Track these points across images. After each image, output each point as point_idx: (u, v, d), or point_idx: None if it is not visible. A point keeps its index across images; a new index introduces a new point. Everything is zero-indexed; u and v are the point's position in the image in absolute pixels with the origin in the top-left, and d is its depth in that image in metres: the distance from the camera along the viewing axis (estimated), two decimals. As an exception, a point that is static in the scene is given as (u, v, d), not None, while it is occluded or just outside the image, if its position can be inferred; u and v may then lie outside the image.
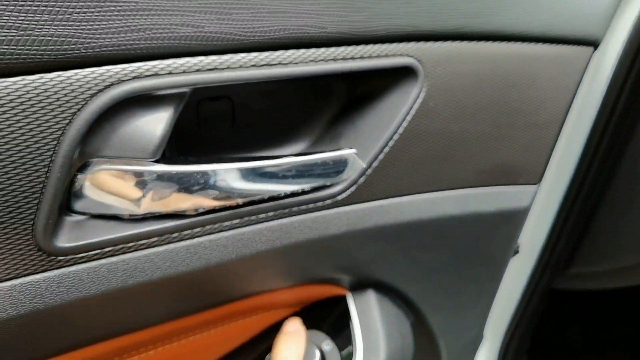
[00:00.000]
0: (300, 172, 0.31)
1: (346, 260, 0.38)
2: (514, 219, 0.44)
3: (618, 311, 1.22)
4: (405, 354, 0.44)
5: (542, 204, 0.83)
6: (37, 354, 0.28)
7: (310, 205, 0.33)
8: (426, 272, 0.44)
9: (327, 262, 0.37)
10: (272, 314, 0.43)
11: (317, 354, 0.40)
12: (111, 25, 0.23)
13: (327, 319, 0.43)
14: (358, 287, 0.43)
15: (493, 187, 0.41)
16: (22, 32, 0.21)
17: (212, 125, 0.32)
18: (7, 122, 0.22)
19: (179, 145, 0.31)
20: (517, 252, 0.97)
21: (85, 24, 0.22)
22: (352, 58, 0.30)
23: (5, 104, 0.22)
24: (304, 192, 0.33)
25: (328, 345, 0.41)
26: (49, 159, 0.24)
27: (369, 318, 0.42)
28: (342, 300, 0.44)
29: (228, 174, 0.28)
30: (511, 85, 0.38)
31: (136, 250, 0.28)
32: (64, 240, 0.26)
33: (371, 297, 0.43)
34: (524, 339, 1.01)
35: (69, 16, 0.22)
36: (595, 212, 0.83)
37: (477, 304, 0.53)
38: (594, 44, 0.43)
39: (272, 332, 0.41)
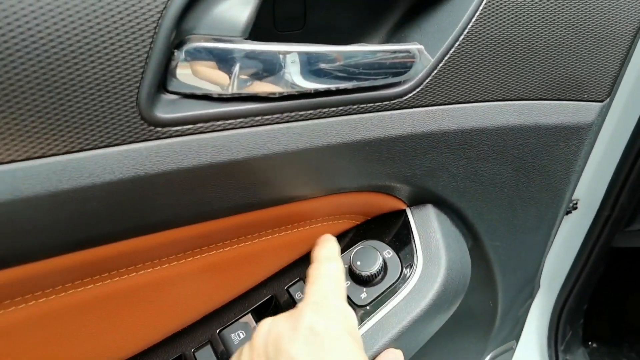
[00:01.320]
0: (369, 65, 0.33)
1: (410, 166, 0.39)
2: (576, 135, 0.43)
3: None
4: (464, 268, 0.45)
5: (602, 154, 0.81)
6: (132, 223, 0.32)
7: (378, 104, 0.35)
8: (486, 188, 0.44)
9: (391, 166, 0.38)
10: (337, 224, 0.45)
11: (379, 261, 0.42)
12: None
13: (388, 230, 0.45)
14: (417, 201, 0.45)
15: (557, 102, 0.41)
16: None
17: (286, 25, 0.35)
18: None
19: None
20: (575, 207, 0.95)
21: None
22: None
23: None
24: (372, 88, 0.34)
25: (389, 253, 0.43)
26: (154, 31, 0.26)
27: (429, 229, 0.44)
28: (403, 214, 0.45)
29: (305, 58, 0.30)
30: None
31: (224, 129, 0.31)
32: (163, 113, 0.29)
33: (430, 212, 0.45)
34: (582, 299, 1.00)
35: None
36: (662, 163, 0.79)
37: (536, 233, 0.53)
38: None
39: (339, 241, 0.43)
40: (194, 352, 0.41)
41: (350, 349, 0.31)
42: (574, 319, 1.02)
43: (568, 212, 0.91)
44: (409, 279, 0.42)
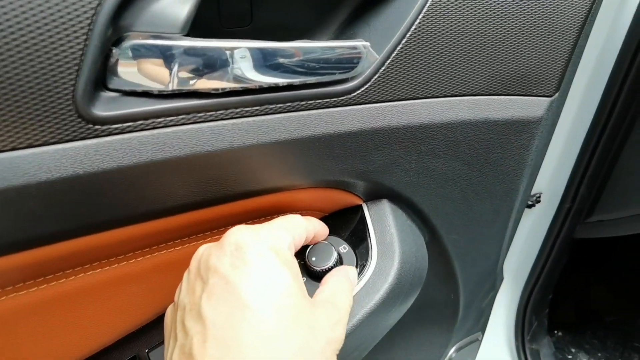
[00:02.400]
0: (315, 60, 0.33)
1: (362, 162, 0.39)
2: (526, 129, 0.44)
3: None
4: (419, 262, 0.46)
5: (562, 149, 0.83)
6: (76, 223, 0.31)
7: (326, 100, 0.35)
8: (439, 183, 0.45)
9: (344, 162, 0.39)
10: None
11: (334, 257, 0.42)
12: None
13: (345, 226, 0.45)
14: (373, 197, 0.45)
15: (506, 97, 0.42)
16: None
17: (231, 21, 0.34)
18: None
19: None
20: (538, 201, 0.97)
21: None
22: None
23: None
24: (320, 85, 0.34)
25: (345, 249, 0.44)
26: (88, 28, 0.26)
27: (384, 224, 0.44)
28: (359, 209, 0.46)
29: (249, 53, 0.30)
30: None
31: (165, 126, 0.30)
32: (101, 111, 0.28)
33: (386, 206, 0.45)
34: (547, 289, 1.02)
35: None
36: (618, 156, 0.82)
37: (492, 225, 0.54)
38: None
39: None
40: (148, 353, 0.41)
41: (272, 264, 0.31)
42: (539, 309, 1.04)
43: (531, 206, 0.94)
44: (363, 274, 0.42)
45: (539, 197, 0.92)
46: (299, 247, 0.37)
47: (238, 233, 0.33)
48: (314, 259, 0.42)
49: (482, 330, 0.81)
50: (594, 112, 0.78)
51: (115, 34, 0.28)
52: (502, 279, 0.74)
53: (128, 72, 0.29)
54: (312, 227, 0.39)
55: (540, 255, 0.96)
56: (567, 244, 0.94)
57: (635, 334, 1.11)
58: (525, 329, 1.03)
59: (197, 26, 0.31)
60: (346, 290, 0.37)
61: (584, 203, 0.88)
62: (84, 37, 0.26)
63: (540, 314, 1.05)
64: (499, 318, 1.03)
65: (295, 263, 0.34)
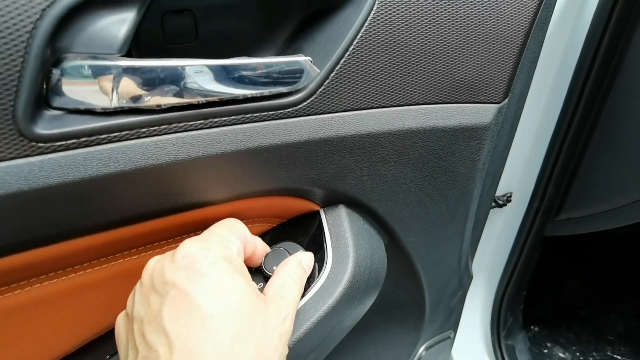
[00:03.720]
0: (258, 75, 0.34)
1: (313, 170, 0.41)
2: (475, 136, 0.46)
3: (616, 258, 1.23)
4: (375, 265, 0.47)
5: (530, 149, 0.85)
6: (26, 236, 0.32)
7: (272, 113, 0.36)
8: (393, 188, 0.46)
9: (295, 171, 0.40)
10: (251, 227, 0.46)
11: (290, 261, 0.43)
12: None
13: (303, 232, 0.46)
14: (330, 203, 0.47)
15: (453, 105, 0.44)
16: None
17: (176, 38, 0.35)
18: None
19: (147, 56, 0.35)
20: (509, 200, 0.99)
21: None
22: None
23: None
24: (264, 98, 0.36)
25: (301, 254, 0.45)
26: (24, 50, 0.27)
27: (339, 229, 0.45)
28: (317, 215, 0.47)
29: (189, 71, 0.32)
30: None
31: (109, 142, 0.31)
32: (44, 129, 0.29)
33: (342, 212, 0.46)
34: (520, 285, 1.05)
35: None
36: (582, 155, 0.84)
37: (450, 227, 0.55)
38: None
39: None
40: (108, 359, 0.42)
41: (225, 272, 0.33)
42: (514, 305, 1.07)
43: (502, 205, 0.96)
44: (318, 278, 0.43)
45: (510, 196, 0.95)
46: (247, 251, 0.39)
47: (190, 246, 0.34)
48: (269, 265, 0.43)
49: (454, 328, 0.83)
50: (558, 114, 0.80)
51: (53, 55, 0.29)
52: (470, 277, 0.75)
53: (70, 90, 0.30)
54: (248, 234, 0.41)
55: (513, 252, 0.98)
56: (538, 241, 0.96)
57: (608, 328, 1.13)
58: (500, 325, 1.05)
59: (141, 44, 0.32)
60: (294, 281, 0.39)
61: (552, 202, 0.90)
62: (21, 59, 0.27)
63: (515, 310, 1.08)
64: (475, 314, 1.05)
65: (244, 267, 0.36)
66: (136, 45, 0.34)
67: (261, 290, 0.37)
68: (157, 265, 0.34)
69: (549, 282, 1.15)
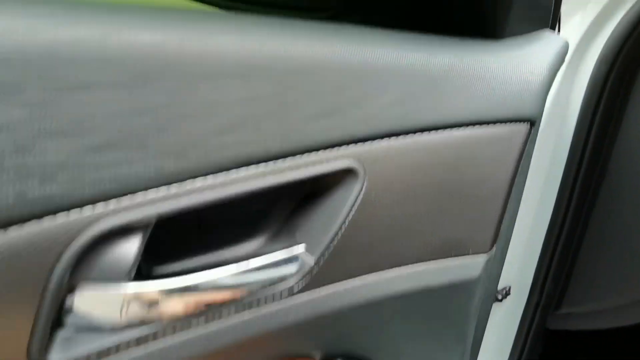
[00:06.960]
0: (256, 270, 0.36)
1: (310, 341, 0.42)
2: (466, 289, 0.48)
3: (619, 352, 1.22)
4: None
5: (526, 245, 0.87)
6: None
7: (269, 298, 0.38)
8: (391, 341, 0.48)
9: (293, 345, 0.41)
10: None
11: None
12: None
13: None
14: (328, 357, 0.48)
15: (443, 260, 0.46)
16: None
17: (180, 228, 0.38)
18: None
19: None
20: (508, 293, 1.00)
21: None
22: (296, 168, 0.36)
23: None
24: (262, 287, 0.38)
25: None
26: (42, 288, 0.29)
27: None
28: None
29: (193, 283, 0.34)
30: (451, 168, 0.43)
31: (117, 354, 0.33)
32: (57, 353, 0.31)
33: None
34: (524, 380, 1.03)
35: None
36: (576, 254, 0.86)
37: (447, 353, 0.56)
38: (530, 120, 0.47)
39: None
40: None
41: None
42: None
43: (502, 299, 0.96)
44: None
45: (509, 290, 0.95)
46: None
47: None
48: None
49: None
50: (550, 213, 0.83)
51: (70, 284, 0.31)
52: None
53: (82, 313, 0.32)
54: None
55: (516, 345, 0.97)
56: (540, 334, 0.96)
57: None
58: (509, 420, 1.02)
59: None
60: None
61: (550, 297, 0.91)
62: (37, 298, 0.29)
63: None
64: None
65: None
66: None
67: None
68: None
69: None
